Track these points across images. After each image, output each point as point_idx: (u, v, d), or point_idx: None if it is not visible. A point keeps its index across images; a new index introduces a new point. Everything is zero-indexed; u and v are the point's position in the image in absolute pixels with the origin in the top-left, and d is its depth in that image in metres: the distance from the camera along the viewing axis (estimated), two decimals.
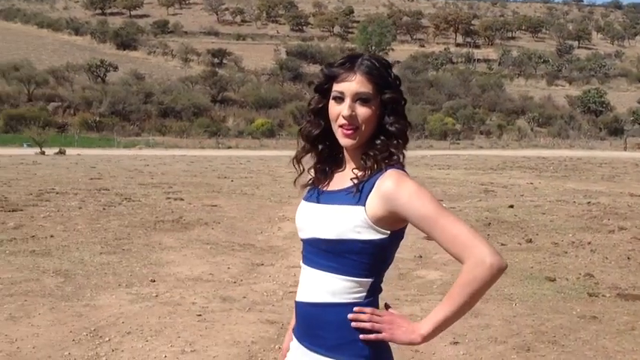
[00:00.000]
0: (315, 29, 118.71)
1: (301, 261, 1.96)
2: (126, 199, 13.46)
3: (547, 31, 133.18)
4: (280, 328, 5.45)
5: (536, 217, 11.87)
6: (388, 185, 1.79)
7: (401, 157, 1.89)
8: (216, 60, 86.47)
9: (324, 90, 1.92)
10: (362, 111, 1.84)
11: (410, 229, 1.86)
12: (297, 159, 2.01)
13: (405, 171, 1.87)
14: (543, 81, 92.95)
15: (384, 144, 1.87)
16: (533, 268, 7.90)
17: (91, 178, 18.07)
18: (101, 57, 73.13)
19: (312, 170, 2.01)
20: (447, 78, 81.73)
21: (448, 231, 1.77)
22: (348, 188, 1.86)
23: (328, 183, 1.96)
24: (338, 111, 1.85)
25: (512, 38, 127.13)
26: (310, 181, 2.01)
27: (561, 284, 7.14)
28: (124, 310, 5.90)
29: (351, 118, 1.83)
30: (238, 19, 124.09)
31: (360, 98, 1.84)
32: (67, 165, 24.16)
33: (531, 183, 19.41)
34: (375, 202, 1.80)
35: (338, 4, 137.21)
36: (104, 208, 12.02)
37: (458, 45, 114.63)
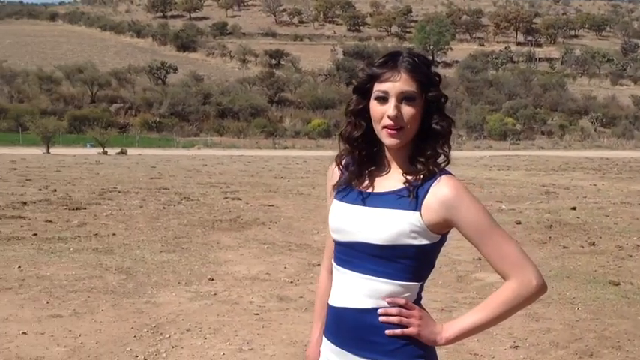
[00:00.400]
0: (373, 29, 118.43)
1: (335, 263, 1.91)
2: (185, 198, 13.69)
3: (611, 30, 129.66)
4: None
5: (600, 220, 11.55)
6: (445, 193, 1.77)
7: (447, 156, 1.85)
8: (273, 61, 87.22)
9: (364, 90, 1.86)
10: (407, 110, 1.78)
11: (452, 233, 1.83)
12: (339, 162, 1.97)
13: (452, 174, 1.84)
14: (607, 80, 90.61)
15: (432, 146, 1.83)
16: (597, 271, 7.68)
17: (152, 178, 18.46)
18: (162, 59, 74.72)
19: (343, 169, 1.96)
20: (507, 77, 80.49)
21: (499, 247, 1.77)
22: (399, 192, 1.82)
23: (370, 185, 1.89)
24: (382, 111, 1.79)
25: (575, 37, 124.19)
26: (343, 181, 1.95)
27: (625, 288, 6.92)
28: (183, 307, 5.99)
29: (397, 119, 1.78)
30: (296, 20, 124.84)
31: (405, 97, 1.78)
32: (128, 165, 24.75)
33: (594, 185, 18.92)
34: (431, 208, 1.77)
35: (396, 3, 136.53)
36: (164, 207, 12.25)
37: (519, 44, 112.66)
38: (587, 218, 11.71)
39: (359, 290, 1.83)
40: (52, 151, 34.99)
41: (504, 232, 1.79)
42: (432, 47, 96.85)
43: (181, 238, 9.25)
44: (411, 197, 1.79)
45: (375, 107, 1.81)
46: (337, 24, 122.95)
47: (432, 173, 1.80)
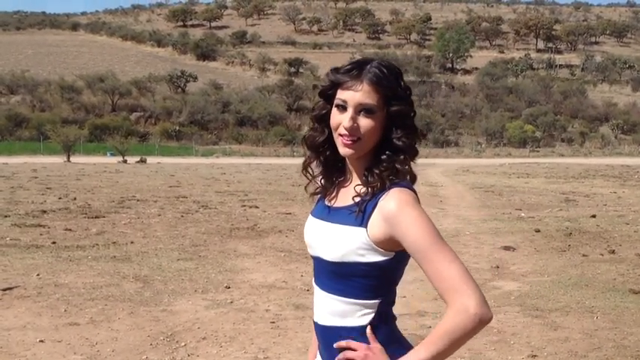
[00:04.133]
0: (392, 37, 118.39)
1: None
2: (203, 206, 13.74)
3: (632, 36, 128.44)
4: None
5: (620, 228, 11.41)
6: (389, 207, 1.67)
7: (406, 173, 1.76)
8: (292, 69, 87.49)
9: (328, 96, 1.79)
10: (365, 123, 1.71)
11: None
12: (305, 167, 1.89)
13: (412, 189, 1.75)
14: (628, 87, 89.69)
15: (389, 159, 1.74)
16: (616, 280, 7.58)
17: (170, 186, 18.56)
18: (182, 68, 75.24)
19: (321, 179, 1.90)
20: (527, 84, 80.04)
21: (439, 269, 1.64)
22: (351, 206, 1.75)
23: (335, 197, 1.84)
24: (339, 120, 1.73)
25: (596, 43, 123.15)
26: (318, 190, 1.90)
27: None
28: (199, 315, 6.00)
29: (352, 130, 1.71)
30: (315, 28, 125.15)
31: (363, 109, 1.71)
32: (147, 173, 24.91)
33: (615, 192, 18.72)
34: (376, 223, 1.69)
35: (415, 11, 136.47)
36: (182, 216, 12.30)
37: (539, 51, 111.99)
38: (607, 226, 11.58)
39: (322, 307, 1.80)
40: (73, 159, 35.32)
41: (448, 254, 1.65)
42: (451, 54, 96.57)
43: (199, 246, 9.28)
44: (359, 212, 1.72)
45: (334, 115, 1.76)
46: (356, 32, 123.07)
47: (384, 187, 1.71)
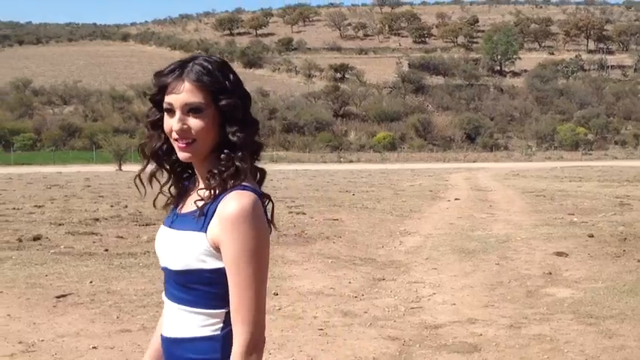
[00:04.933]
0: (438, 40, 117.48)
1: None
2: None
3: None
4: (402, 345, 5.38)
5: None
6: (225, 210, 1.60)
7: (247, 170, 1.67)
8: (338, 75, 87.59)
9: (158, 101, 1.71)
10: (194, 123, 1.64)
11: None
12: (140, 176, 1.81)
13: (256, 190, 1.68)
14: None
15: (228, 158, 1.66)
16: None
17: None
18: None
19: (169, 187, 1.83)
20: (578, 86, 78.58)
21: (236, 289, 1.59)
22: (194, 211, 1.67)
23: (182, 204, 1.78)
24: (170, 124, 1.66)
25: None
26: (170, 201, 1.83)
27: None
28: None
29: (183, 132, 1.64)
30: (361, 33, 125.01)
31: (190, 109, 1.64)
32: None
33: None
34: (213, 227, 1.62)
35: (462, 13, 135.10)
36: None
37: (590, 51, 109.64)
38: None
39: (170, 319, 1.73)
40: (124, 167, 36.02)
41: (252, 278, 1.59)
42: (499, 57, 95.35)
43: None
44: (200, 216, 1.65)
45: (165, 120, 1.69)
46: (402, 36, 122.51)
47: (225, 189, 1.64)
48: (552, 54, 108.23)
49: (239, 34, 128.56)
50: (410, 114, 65.70)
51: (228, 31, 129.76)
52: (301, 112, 62.06)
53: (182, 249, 1.66)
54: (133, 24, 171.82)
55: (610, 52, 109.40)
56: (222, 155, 1.67)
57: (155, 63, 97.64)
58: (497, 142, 62.13)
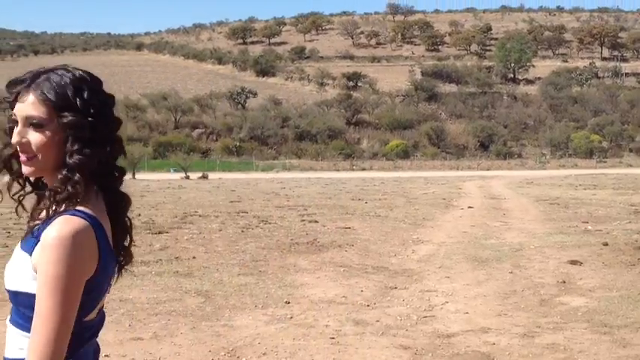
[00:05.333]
0: (451, 48, 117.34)
1: None
2: (263, 221, 13.83)
3: None
4: (414, 354, 5.34)
5: None
6: (45, 236, 1.50)
7: (78, 194, 1.55)
8: (351, 83, 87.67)
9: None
10: (34, 138, 1.54)
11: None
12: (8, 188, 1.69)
13: (87, 217, 1.55)
14: None
15: (64, 179, 1.55)
16: None
17: (231, 201, 18.77)
18: (242, 84, 76.40)
19: (21, 198, 1.71)
20: (592, 94, 78.17)
21: (37, 318, 1.48)
22: (32, 232, 1.60)
23: (33, 222, 1.67)
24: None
25: None
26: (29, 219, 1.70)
27: None
28: (260, 330, 6.01)
29: (22, 146, 1.55)
30: (373, 41, 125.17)
31: (31, 123, 1.55)
32: (209, 189, 25.29)
33: None
34: (36, 251, 1.52)
35: (475, 21, 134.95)
36: (242, 231, 12.41)
37: (604, 59, 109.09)
38: None
39: (9, 341, 1.62)
40: (138, 176, 36.20)
41: (53, 314, 1.47)
42: (513, 65, 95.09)
43: (259, 261, 9.33)
44: (32, 238, 1.56)
45: (14, 131, 1.60)
46: (415, 44, 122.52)
47: (57, 211, 1.54)
48: (566, 62, 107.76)
49: (252, 42, 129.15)
50: (423, 122, 65.67)
51: (241, 40, 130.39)
52: (314, 121, 62.14)
53: (15, 269, 1.58)
54: (147, 33, 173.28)
55: (624, 60, 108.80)
56: (60, 176, 1.57)
57: (169, 72, 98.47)
58: (510, 150, 61.89)
